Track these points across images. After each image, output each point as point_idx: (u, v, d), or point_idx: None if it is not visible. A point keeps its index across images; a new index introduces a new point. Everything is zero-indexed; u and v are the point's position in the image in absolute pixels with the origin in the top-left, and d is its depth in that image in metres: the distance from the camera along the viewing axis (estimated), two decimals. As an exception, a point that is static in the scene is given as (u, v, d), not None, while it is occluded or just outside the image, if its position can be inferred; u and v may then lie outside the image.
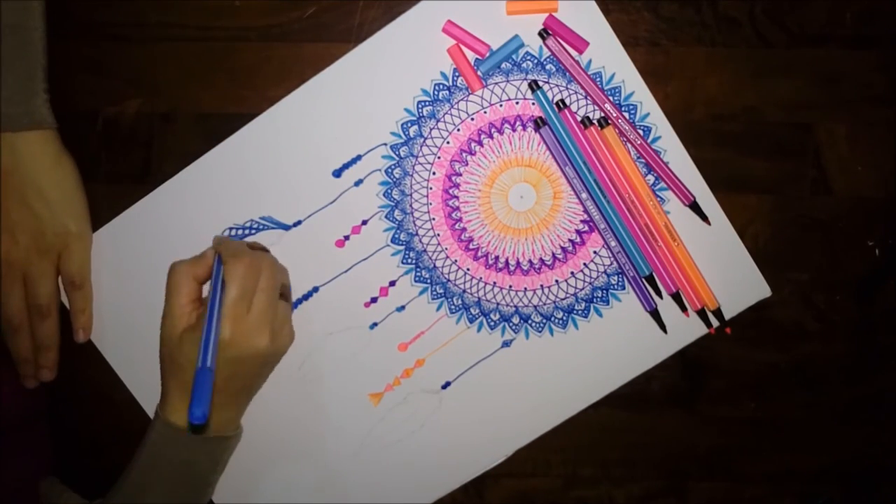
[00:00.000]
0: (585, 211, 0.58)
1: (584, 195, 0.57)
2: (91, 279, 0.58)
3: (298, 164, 0.59)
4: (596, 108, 0.57)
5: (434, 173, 0.59)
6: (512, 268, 0.59)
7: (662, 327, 0.59)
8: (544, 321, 0.60)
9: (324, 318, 0.60)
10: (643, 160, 0.57)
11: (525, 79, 0.58)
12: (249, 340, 0.51)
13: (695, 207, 0.58)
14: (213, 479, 0.56)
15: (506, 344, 0.60)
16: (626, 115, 0.57)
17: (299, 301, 0.60)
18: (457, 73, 0.58)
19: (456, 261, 0.59)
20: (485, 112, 0.58)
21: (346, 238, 0.59)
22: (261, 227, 0.59)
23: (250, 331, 0.51)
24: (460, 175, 0.59)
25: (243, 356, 0.51)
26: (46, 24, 0.54)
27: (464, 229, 0.59)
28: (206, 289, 0.56)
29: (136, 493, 0.53)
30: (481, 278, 0.60)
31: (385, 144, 0.59)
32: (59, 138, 0.55)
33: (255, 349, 0.52)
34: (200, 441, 0.53)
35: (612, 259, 0.59)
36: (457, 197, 0.59)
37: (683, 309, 0.58)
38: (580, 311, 0.59)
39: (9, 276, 0.55)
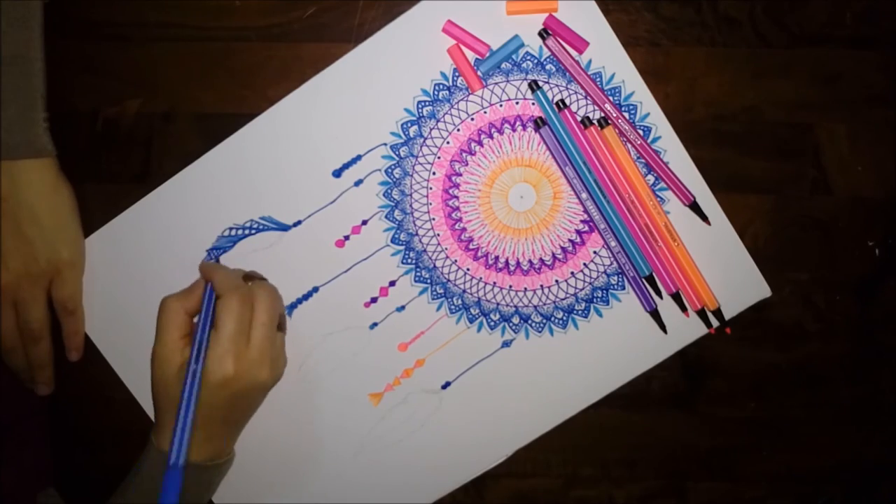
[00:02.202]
0: (585, 211, 0.58)
1: (584, 195, 0.57)
2: (83, 305, 0.58)
3: (298, 164, 0.59)
4: (596, 108, 0.57)
5: (434, 173, 0.59)
6: (512, 268, 0.59)
7: (662, 327, 0.59)
8: (544, 321, 0.60)
9: (324, 318, 0.60)
10: (643, 160, 0.57)
11: (525, 79, 0.58)
12: (252, 374, 0.52)
13: (695, 207, 0.58)
14: (208, 497, 0.56)
15: (506, 344, 0.60)
16: (626, 115, 0.57)
17: (299, 301, 0.60)
18: (457, 73, 0.58)
19: (456, 261, 0.59)
20: (485, 112, 0.58)
21: (346, 238, 0.59)
22: (261, 227, 0.59)
23: (252, 365, 0.51)
24: (460, 175, 0.59)
25: (246, 389, 0.52)
26: (44, 53, 0.54)
27: (464, 229, 0.59)
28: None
29: None
30: (481, 278, 0.60)
31: (385, 144, 0.59)
32: (57, 165, 0.55)
33: (256, 382, 0.52)
34: (196, 471, 0.53)
35: (612, 259, 0.59)
36: (457, 197, 0.59)
37: (683, 309, 0.58)
38: (580, 311, 0.59)
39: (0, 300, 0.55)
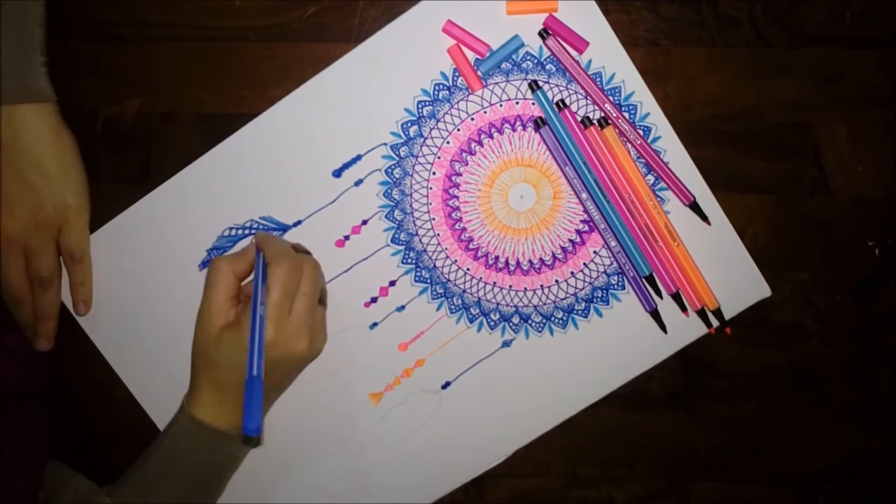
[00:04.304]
0: (585, 211, 0.58)
1: (584, 195, 0.57)
2: (90, 254, 0.58)
3: (298, 164, 0.59)
4: (596, 108, 0.57)
5: (434, 173, 0.59)
6: (512, 268, 0.59)
7: (662, 327, 0.59)
8: (544, 321, 0.60)
9: (324, 318, 0.60)
10: (643, 160, 0.57)
11: (525, 79, 0.58)
12: (289, 344, 0.51)
13: (695, 207, 0.58)
14: (229, 476, 0.56)
15: (506, 344, 0.60)
16: (626, 115, 0.57)
17: (299, 301, 0.60)
18: (457, 73, 0.58)
19: (456, 261, 0.59)
20: (485, 112, 0.58)
21: (346, 238, 0.59)
22: (261, 227, 0.59)
23: (291, 334, 0.51)
24: (460, 175, 0.59)
25: (282, 359, 0.52)
26: None
27: (464, 229, 0.59)
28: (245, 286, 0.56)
29: (151, 483, 0.53)
30: (481, 278, 0.60)
31: (385, 144, 0.59)
32: (58, 111, 0.55)
33: (293, 353, 0.52)
34: (225, 439, 0.53)
35: (612, 259, 0.59)
36: (457, 197, 0.59)
37: (683, 309, 0.58)
38: (580, 311, 0.59)
39: (8, 250, 0.55)
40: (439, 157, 0.59)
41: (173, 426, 0.53)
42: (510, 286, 0.59)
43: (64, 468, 0.55)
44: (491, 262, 0.59)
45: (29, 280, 0.56)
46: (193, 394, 0.53)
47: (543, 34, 0.57)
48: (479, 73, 0.57)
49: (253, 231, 0.59)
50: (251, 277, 0.55)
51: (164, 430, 0.54)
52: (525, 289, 0.59)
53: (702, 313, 0.58)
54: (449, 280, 0.60)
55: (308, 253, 0.58)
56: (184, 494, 0.53)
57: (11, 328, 0.58)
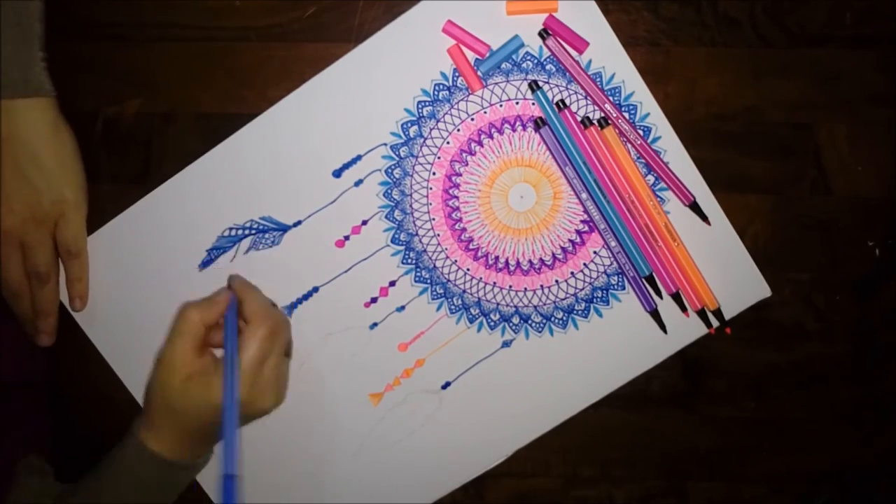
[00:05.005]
0: (585, 211, 0.58)
1: (584, 195, 0.57)
2: (87, 250, 0.58)
3: (298, 164, 0.59)
4: (596, 108, 0.57)
5: (434, 173, 0.59)
6: (512, 268, 0.59)
7: (662, 327, 0.59)
8: (544, 321, 0.60)
9: (324, 318, 0.60)
10: (643, 160, 0.57)
11: (525, 79, 0.58)
12: (258, 403, 0.52)
13: (695, 207, 0.58)
14: (174, 497, 0.56)
15: (506, 344, 0.60)
16: (626, 115, 0.57)
17: (299, 301, 0.60)
18: (457, 74, 0.58)
19: (456, 261, 0.59)
20: (485, 112, 0.58)
21: (346, 238, 0.59)
22: (261, 227, 0.59)
23: (262, 394, 0.52)
24: (460, 175, 0.59)
25: (249, 416, 0.53)
26: None
27: (464, 229, 0.59)
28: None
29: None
30: (481, 278, 0.60)
31: (385, 144, 0.59)
32: (56, 106, 0.55)
33: (262, 409, 0.53)
34: (176, 468, 0.53)
35: (612, 259, 0.59)
36: (457, 197, 0.59)
37: (683, 309, 0.58)
38: (580, 312, 0.59)
39: (5, 244, 0.55)
40: (439, 158, 0.59)
41: (124, 452, 0.53)
42: (510, 286, 0.59)
43: (33, 463, 0.56)
44: (491, 262, 0.59)
45: (27, 275, 0.56)
46: (150, 428, 0.53)
47: (543, 34, 0.57)
48: (479, 73, 0.57)
49: (253, 231, 0.59)
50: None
51: (113, 452, 0.54)
52: (525, 289, 0.59)
53: (702, 313, 0.58)
54: (449, 280, 0.60)
55: (275, 305, 0.58)
56: None
57: (7, 320, 0.58)
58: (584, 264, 0.59)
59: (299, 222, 0.59)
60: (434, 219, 0.59)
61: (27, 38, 0.53)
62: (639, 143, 0.56)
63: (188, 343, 0.52)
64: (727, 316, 0.58)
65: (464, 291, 0.60)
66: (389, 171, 0.59)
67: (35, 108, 0.53)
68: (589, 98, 0.57)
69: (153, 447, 0.52)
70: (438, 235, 0.59)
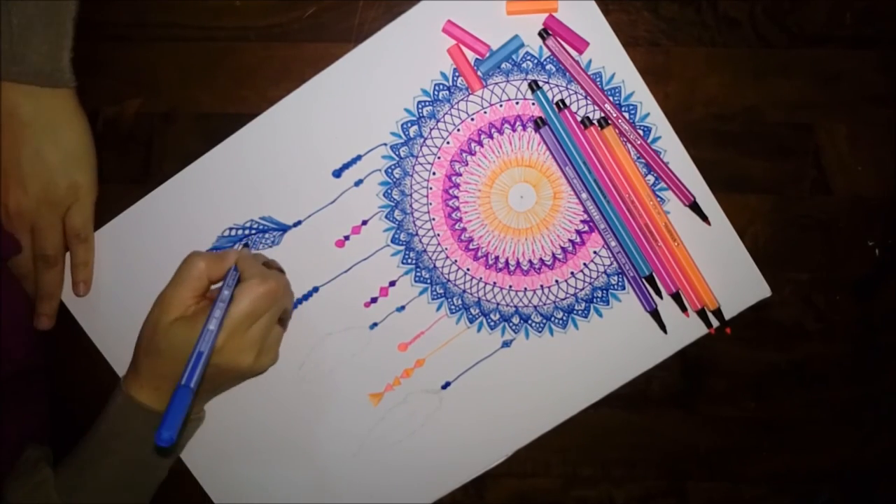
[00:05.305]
0: (585, 211, 0.58)
1: (584, 195, 0.57)
2: (93, 237, 0.59)
3: (298, 164, 0.59)
4: (596, 108, 0.57)
5: (434, 173, 0.59)
6: (512, 268, 0.59)
7: (662, 327, 0.59)
8: (544, 321, 0.60)
9: (324, 318, 0.60)
10: (643, 160, 0.57)
11: (525, 79, 0.58)
12: (236, 356, 0.52)
13: (695, 207, 0.58)
14: (168, 459, 0.56)
15: (506, 344, 0.60)
16: (626, 115, 0.57)
17: (299, 301, 0.60)
18: (457, 73, 0.58)
19: (456, 261, 0.59)
20: (485, 112, 0.58)
21: (346, 238, 0.59)
22: (261, 227, 0.59)
23: (241, 348, 0.52)
24: (460, 175, 0.59)
25: (225, 366, 0.52)
26: None
27: (464, 229, 0.59)
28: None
29: (91, 463, 0.54)
30: (481, 278, 0.60)
31: (385, 144, 0.59)
32: (76, 97, 0.56)
33: (238, 364, 0.53)
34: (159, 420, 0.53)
35: (612, 259, 0.59)
36: (457, 197, 0.59)
37: (683, 309, 0.58)
38: (580, 311, 0.59)
39: (18, 225, 0.56)
40: (439, 158, 0.59)
41: (111, 406, 0.54)
42: (510, 286, 0.59)
43: (40, 450, 0.56)
44: (491, 262, 0.59)
45: (34, 258, 0.57)
46: (133, 375, 0.53)
47: (543, 34, 0.57)
48: (479, 73, 0.57)
49: (253, 231, 0.59)
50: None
51: (103, 409, 0.55)
52: (525, 289, 0.59)
53: (702, 313, 0.58)
54: (449, 280, 0.60)
55: (282, 271, 0.58)
56: (122, 472, 0.54)
57: (8, 307, 0.58)
58: (584, 264, 0.59)
59: (299, 222, 0.59)
60: (434, 219, 0.59)
61: (61, 36, 0.54)
62: (639, 143, 0.56)
63: (187, 290, 0.52)
64: (727, 316, 0.58)
65: (464, 291, 0.60)
66: (389, 171, 0.59)
67: (59, 96, 0.55)
68: (589, 98, 0.57)
69: (134, 394, 0.53)
70: (438, 235, 0.59)
